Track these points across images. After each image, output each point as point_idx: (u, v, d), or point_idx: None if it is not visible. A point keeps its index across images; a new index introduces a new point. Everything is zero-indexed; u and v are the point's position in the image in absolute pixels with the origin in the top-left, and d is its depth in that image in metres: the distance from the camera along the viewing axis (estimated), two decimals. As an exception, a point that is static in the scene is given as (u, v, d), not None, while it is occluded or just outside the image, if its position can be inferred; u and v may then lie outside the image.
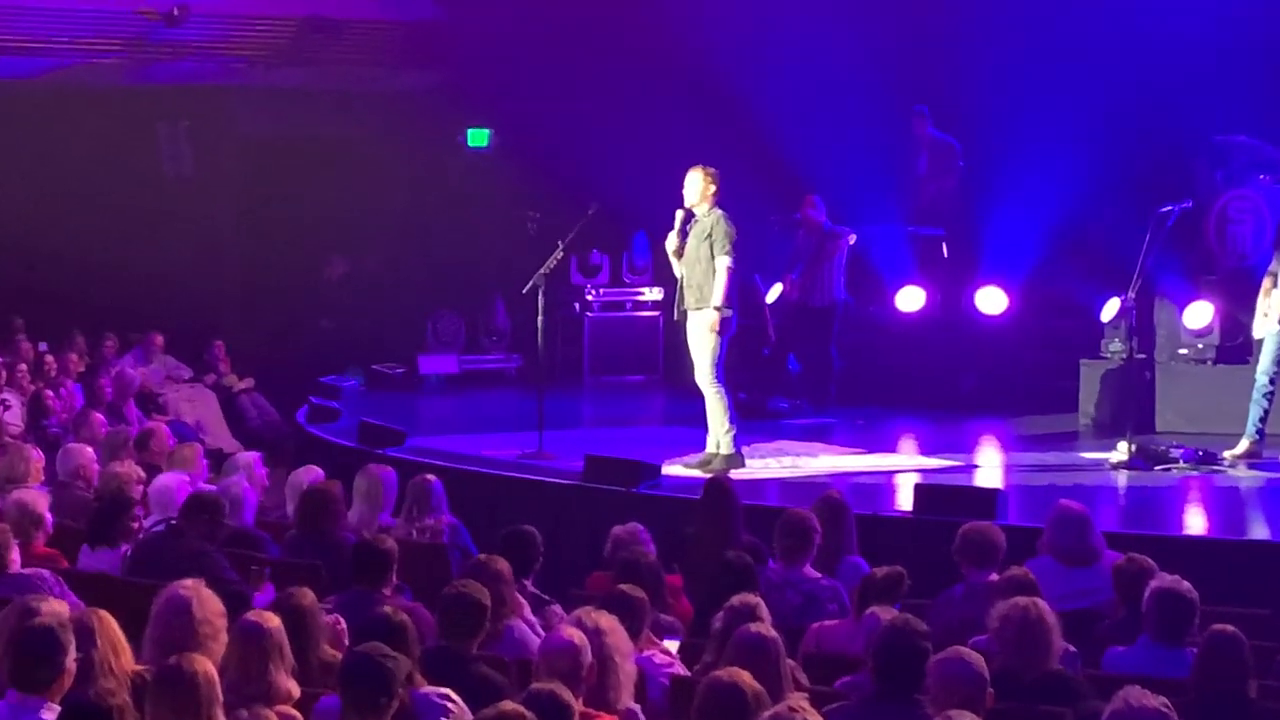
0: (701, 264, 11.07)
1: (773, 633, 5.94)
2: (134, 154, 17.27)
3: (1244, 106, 13.63)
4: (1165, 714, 5.03)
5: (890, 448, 12.92)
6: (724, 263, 10.98)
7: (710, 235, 11.04)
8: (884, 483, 11.33)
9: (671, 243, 11.24)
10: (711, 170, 11.17)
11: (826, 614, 7.42)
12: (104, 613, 5.69)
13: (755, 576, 7.32)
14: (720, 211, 11.10)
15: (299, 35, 16.82)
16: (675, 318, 11.42)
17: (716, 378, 11.08)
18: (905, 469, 11.79)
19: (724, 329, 11.07)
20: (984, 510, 9.23)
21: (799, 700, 5.22)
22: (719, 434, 11.21)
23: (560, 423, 12.50)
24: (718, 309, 10.99)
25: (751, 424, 12.90)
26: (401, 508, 9.01)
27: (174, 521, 8.19)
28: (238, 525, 8.69)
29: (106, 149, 16.92)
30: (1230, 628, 5.98)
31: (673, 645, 6.79)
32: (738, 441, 11.25)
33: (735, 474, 10.63)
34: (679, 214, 11.18)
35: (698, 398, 11.22)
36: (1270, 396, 11.62)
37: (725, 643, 6.02)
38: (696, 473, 10.91)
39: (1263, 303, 11.55)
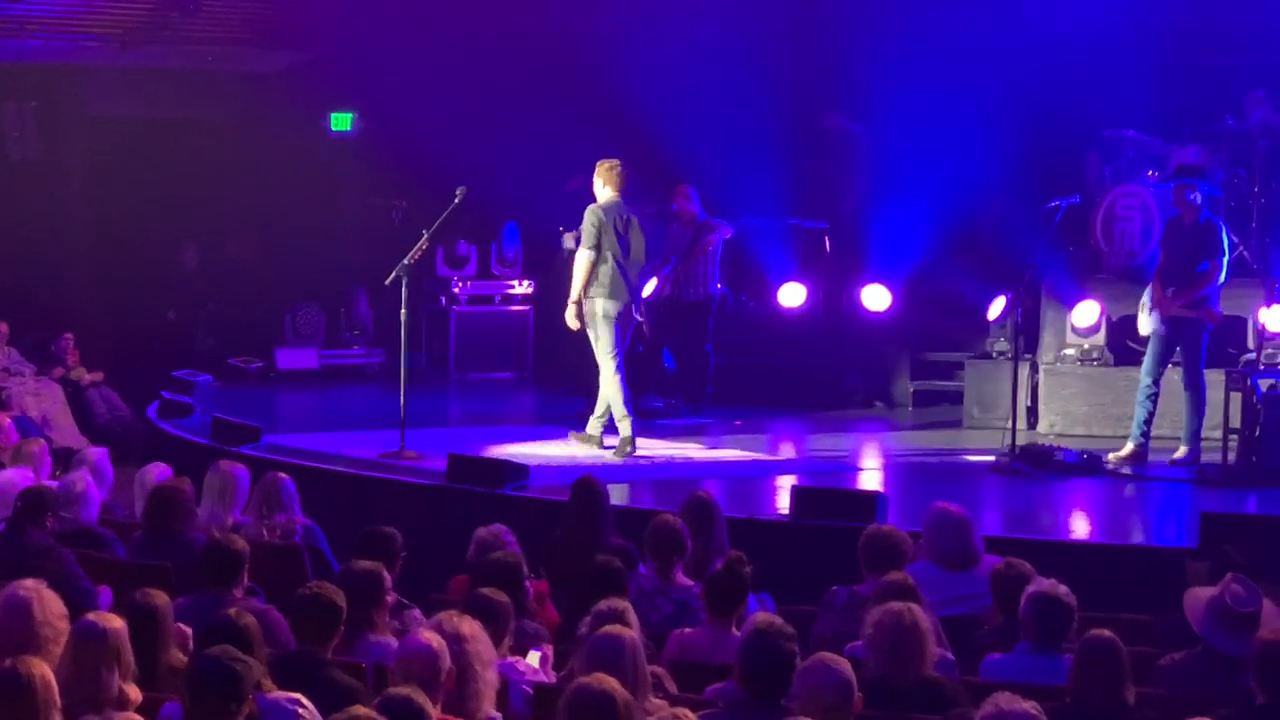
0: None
1: (629, 634, 5.82)
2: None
3: (1134, 100, 13.66)
4: (1035, 717, 5.03)
5: (769, 449, 12.83)
6: (580, 254, 11.41)
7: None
8: (761, 484, 11.26)
9: None
10: (601, 163, 11.60)
11: (699, 623, 7.23)
12: None
13: (625, 581, 7.27)
14: (593, 205, 11.44)
15: (154, 12, 16.40)
16: None
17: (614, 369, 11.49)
18: (783, 470, 11.72)
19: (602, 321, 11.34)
20: (865, 513, 9.17)
21: (683, 711, 5.19)
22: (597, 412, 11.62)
23: (424, 421, 12.41)
24: (574, 301, 11.34)
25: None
26: (250, 506, 8.89)
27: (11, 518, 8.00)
28: (82, 522, 8.51)
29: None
30: (1107, 633, 5.94)
31: (534, 658, 6.59)
32: (606, 430, 11.61)
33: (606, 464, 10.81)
34: None
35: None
36: (1155, 399, 11.73)
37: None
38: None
39: (1149, 298, 11.60)
